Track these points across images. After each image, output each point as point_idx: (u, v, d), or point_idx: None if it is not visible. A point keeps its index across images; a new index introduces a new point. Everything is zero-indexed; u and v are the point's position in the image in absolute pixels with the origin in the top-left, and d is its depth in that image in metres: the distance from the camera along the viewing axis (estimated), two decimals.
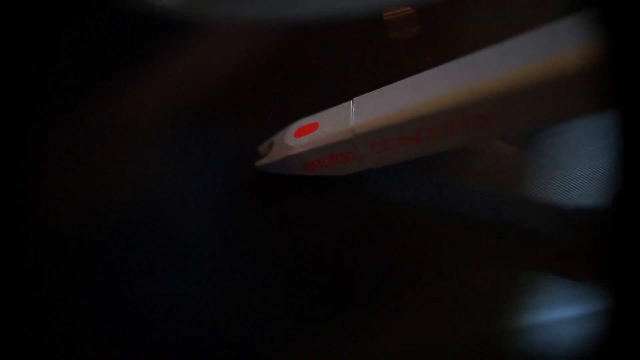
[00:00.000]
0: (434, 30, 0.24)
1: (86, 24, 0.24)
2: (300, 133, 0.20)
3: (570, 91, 0.15)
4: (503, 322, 0.17)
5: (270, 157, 0.20)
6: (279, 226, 0.20)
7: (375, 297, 0.18)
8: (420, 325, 0.17)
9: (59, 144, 0.21)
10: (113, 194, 0.20)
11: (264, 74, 0.23)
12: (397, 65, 0.23)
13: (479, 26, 0.24)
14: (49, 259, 0.19)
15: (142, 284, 0.18)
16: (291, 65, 0.24)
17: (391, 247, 0.19)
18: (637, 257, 0.14)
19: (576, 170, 0.19)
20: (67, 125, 0.22)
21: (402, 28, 0.24)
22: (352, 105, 0.19)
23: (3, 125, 0.20)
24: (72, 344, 0.17)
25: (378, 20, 0.24)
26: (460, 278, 0.18)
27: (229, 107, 0.23)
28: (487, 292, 0.17)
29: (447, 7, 0.24)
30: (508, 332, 0.17)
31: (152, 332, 0.18)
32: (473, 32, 0.24)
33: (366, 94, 0.19)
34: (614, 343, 0.15)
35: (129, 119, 0.22)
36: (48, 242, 0.20)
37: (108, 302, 0.18)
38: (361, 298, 0.18)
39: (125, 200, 0.20)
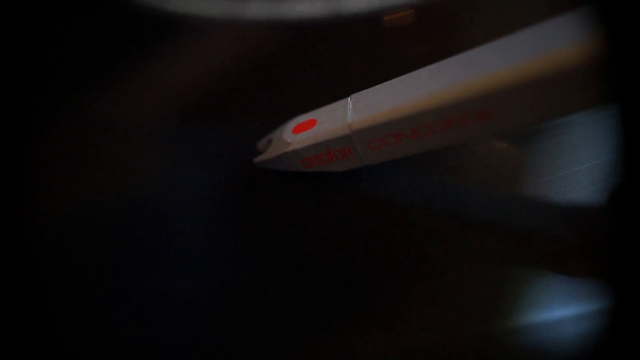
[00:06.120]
0: (431, 29, 0.24)
1: (83, 22, 0.24)
2: (298, 129, 0.20)
3: (568, 87, 0.15)
4: (501, 320, 0.17)
5: (268, 154, 0.20)
6: (276, 222, 0.20)
7: (373, 296, 0.18)
8: (419, 325, 0.17)
9: (58, 142, 0.22)
10: (111, 190, 0.20)
11: (262, 72, 0.24)
12: (395, 62, 0.23)
13: (477, 25, 0.24)
14: (48, 256, 0.19)
15: (139, 280, 0.18)
16: (290, 62, 0.24)
17: (388, 245, 0.19)
18: (635, 254, 0.14)
19: (574, 167, 0.19)
20: (66, 123, 0.22)
21: (400, 26, 0.24)
22: (349, 102, 0.19)
23: (2, 123, 0.20)
24: (73, 342, 0.17)
25: (376, 18, 0.24)
26: (457, 276, 0.18)
27: (228, 104, 0.23)
28: (485, 290, 0.17)
29: (445, 6, 0.24)
30: (506, 331, 0.16)
31: (149, 329, 0.18)
32: (471, 30, 0.24)
33: (364, 91, 0.19)
34: (613, 341, 0.15)
35: (128, 116, 0.22)
36: (47, 238, 0.20)
37: (107, 299, 0.18)
38: (359, 296, 0.18)
39: (124, 197, 0.20)
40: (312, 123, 0.19)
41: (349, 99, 0.19)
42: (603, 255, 0.16)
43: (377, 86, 0.19)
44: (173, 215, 0.20)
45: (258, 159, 0.20)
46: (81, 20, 0.24)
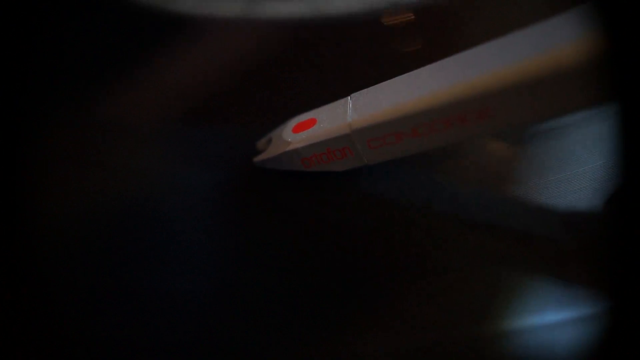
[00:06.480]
0: (432, 28, 0.24)
1: (84, 22, 0.24)
2: (298, 129, 0.20)
3: (567, 86, 0.15)
4: (500, 321, 0.17)
5: (268, 153, 0.20)
6: (276, 222, 0.20)
7: (373, 295, 0.18)
8: (419, 324, 0.17)
9: (58, 142, 0.22)
10: (111, 190, 0.20)
11: (262, 71, 0.23)
12: (395, 62, 0.23)
13: (477, 24, 0.23)
14: (48, 256, 0.19)
15: (139, 280, 0.18)
16: (290, 62, 0.24)
17: (388, 244, 0.19)
18: (633, 259, 0.14)
19: (573, 170, 0.19)
20: (66, 123, 0.22)
21: (400, 26, 0.24)
22: (349, 101, 0.19)
23: (2, 123, 0.20)
24: (73, 342, 0.17)
25: (376, 18, 0.24)
26: (457, 276, 0.18)
27: (228, 103, 0.23)
28: (485, 290, 0.17)
29: (445, 5, 0.24)
30: (505, 332, 0.16)
31: (149, 329, 0.18)
32: (471, 29, 0.24)
33: (363, 90, 0.19)
34: (609, 346, 0.14)
35: (128, 116, 0.22)
36: (47, 238, 0.20)
37: (107, 299, 0.18)
38: (359, 296, 0.18)
39: (124, 197, 0.20)
40: (312, 122, 0.19)
41: (349, 98, 0.19)
42: (600, 258, 0.15)
43: (377, 85, 0.19)
44: (173, 215, 0.20)
45: (258, 158, 0.20)
46: (82, 20, 0.24)
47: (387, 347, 0.17)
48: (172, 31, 0.24)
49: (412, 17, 0.24)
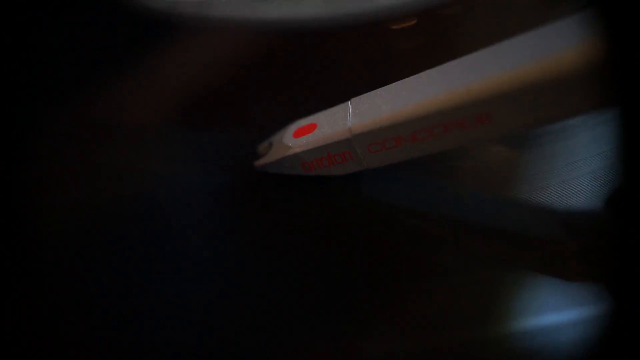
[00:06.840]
0: (433, 32, 0.24)
1: (84, 22, 0.24)
2: (298, 133, 0.20)
3: (567, 91, 0.16)
4: (500, 323, 0.17)
5: (269, 157, 0.20)
6: (277, 225, 0.20)
7: (373, 296, 0.18)
8: (419, 325, 0.17)
9: (57, 142, 0.21)
10: (112, 192, 0.20)
11: (263, 75, 0.24)
12: (395, 65, 0.23)
13: (478, 28, 0.24)
14: (48, 256, 0.19)
15: (139, 281, 0.18)
16: (290, 66, 0.24)
17: (388, 248, 0.19)
18: (633, 259, 0.14)
19: (572, 173, 0.19)
20: (67, 125, 0.22)
21: (401, 29, 0.24)
22: (349, 106, 0.19)
23: (2, 123, 0.20)
24: (72, 342, 0.17)
25: (378, 21, 0.24)
26: (456, 280, 0.18)
27: (229, 107, 0.23)
28: (484, 294, 0.18)
29: (447, 9, 0.24)
30: (505, 333, 0.17)
31: (150, 329, 0.18)
32: (472, 34, 0.24)
33: (363, 95, 0.19)
34: (610, 346, 0.15)
35: (129, 118, 0.22)
36: (47, 238, 0.20)
37: (107, 299, 0.18)
38: (359, 298, 0.18)
39: (125, 199, 0.20)
40: (312, 127, 0.20)
41: (349, 102, 0.19)
42: (601, 259, 0.16)
43: (377, 90, 0.19)
44: (174, 217, 0.20)
45: (259, 162, 0.20)
46: (81, 20, 0.24)
47: (387, 348, 0.17)
48: (173, 32, 0.24)
49: (414, 20, 0.24)
